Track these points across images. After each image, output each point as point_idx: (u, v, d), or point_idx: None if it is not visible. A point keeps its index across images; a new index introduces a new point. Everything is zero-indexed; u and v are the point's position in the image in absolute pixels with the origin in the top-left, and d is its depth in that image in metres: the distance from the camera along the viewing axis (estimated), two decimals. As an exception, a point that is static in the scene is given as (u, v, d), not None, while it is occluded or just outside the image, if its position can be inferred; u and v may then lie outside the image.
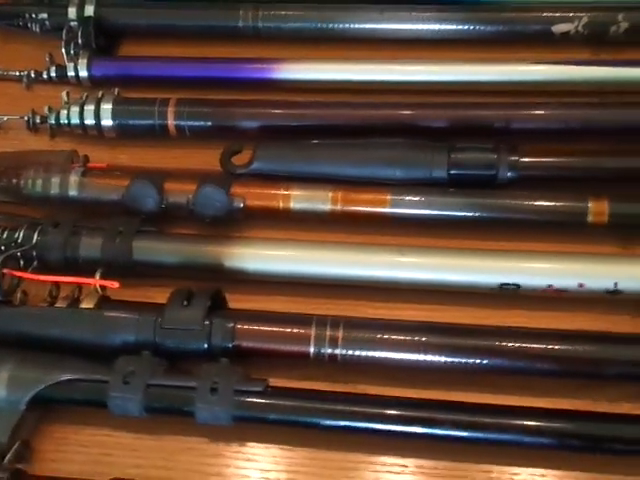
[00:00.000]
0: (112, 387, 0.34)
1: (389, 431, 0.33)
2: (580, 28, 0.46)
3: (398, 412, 0.33)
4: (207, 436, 0.36)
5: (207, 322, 0.35)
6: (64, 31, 0.48)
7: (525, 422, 0.32)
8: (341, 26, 0.47)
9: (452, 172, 0.40)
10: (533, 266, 0.36)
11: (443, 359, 0.34)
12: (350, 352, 0.35)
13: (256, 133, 0.43)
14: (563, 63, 0.44)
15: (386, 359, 0.35)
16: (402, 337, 0.35)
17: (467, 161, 0.40)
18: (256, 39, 0.48)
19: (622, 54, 0.46)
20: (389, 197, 0.39)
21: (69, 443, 0.37)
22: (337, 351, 0.35)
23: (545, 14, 0.46)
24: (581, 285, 0.36)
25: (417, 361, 0.34)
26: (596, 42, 0.46)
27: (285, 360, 0.36)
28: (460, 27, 0.46)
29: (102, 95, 0.45)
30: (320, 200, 0.40)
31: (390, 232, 0.40)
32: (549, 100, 0.44)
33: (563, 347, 0.34)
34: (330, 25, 0.47)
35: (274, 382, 0.36)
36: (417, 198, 0.39)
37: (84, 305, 0.37)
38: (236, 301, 0.38)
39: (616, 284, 0.36)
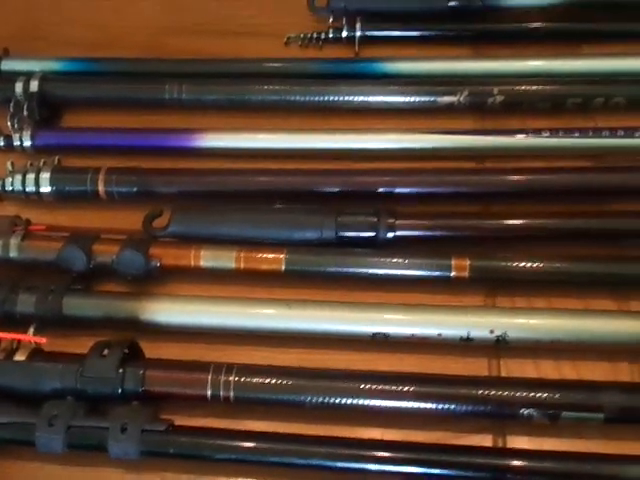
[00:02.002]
0: (38, 429, 0.40)
1: (269, 462, 0.40)
2: (462, 100, 0.52)
3: (277, 446, 0.40)
4: (121, 467, 0.42)
5: (121, 370, 0.41)
6: (11, 104, 0.54)
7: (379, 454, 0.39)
8: (254, 98, 0.53)
9: (340, 234, 0.46)
10: (399, 318, 0.43)
11: (320, 400, 0.41)
12: (241, 394, 0.41)
13: (175, 198, 0.50)
14: (445, 132, 0.51)
15: (271, 399, 0.41)
16: (285, 381, 0.41)
17: (352, 224, 0.46)
18: (180, 109, 0.54)
19: (500, 123, 0.52)
20: (284, 256, 0.46)
21: (4, 476, 0.43)
22: (230, 394, 0.41)
23: (431, 87, 0.53)
24: (439, 334, 0.43)
25: (296, 401, 0.41)
26: (477, 112, 0.53)
27: (187, 401, 0.42)
28: (357, 99, 0.53)
29: (43, 164, 0.52)
30: (226, 259, 0.46)
31: (286, 286, 0.47)
32: (430, 166, 0.50)
33: (421, 389, 0.40)
34: (246, 97, 0.54)
35: (180, 420, 0.42)
36: (308, 257, 0.46)
37: (18, 356, 0.43)
38: (153, 348, 0.45)
39: (469, 333, 0.42)
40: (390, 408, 0.40)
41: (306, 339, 0.45)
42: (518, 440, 0.41)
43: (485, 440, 0.41)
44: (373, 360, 0.44)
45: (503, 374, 0.43)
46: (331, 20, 0.57)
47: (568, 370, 0.43)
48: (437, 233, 0.47)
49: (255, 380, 0.41)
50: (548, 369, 0.43)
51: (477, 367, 0.44)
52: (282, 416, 0.43)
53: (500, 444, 0.41)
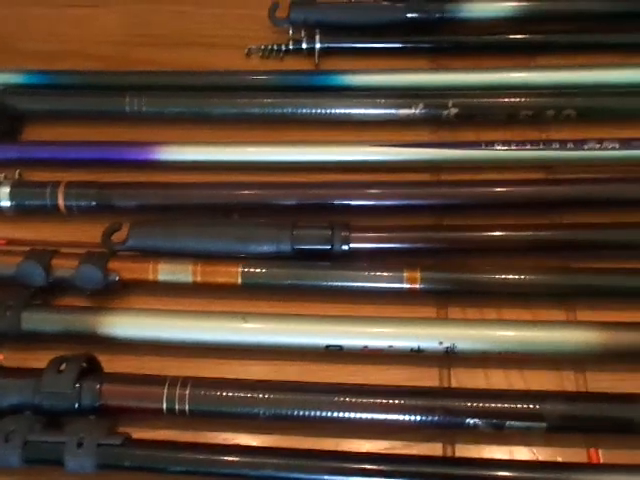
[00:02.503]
0: (-5, 444, 0.41)
1: (224, 474, 0.40)
2: (418, 112, 0.53)
3: (233, 457, 0.40)
4: (79, 480, 0.43)
5: (77, 385, 0.42)
6: (-29, 118, 0.55)
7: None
8: (215, 111, 0.54)
9: (295, 247, 0.47)
10: (352, 330, 0.44)
11: (274, 411, 0.42)
12: (196, 407, 0.42)
13: (135, 211, 0.50)
14: (400, 145, 0.52)
15: (226, 412, 0.42)
16: (238, 394, 0.42)
17: (307, 237, 0.47)
18: (141, 122, 0.55)
19: (455, 135, 0.54)
20: (240, 269, 0.46)
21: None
22: (185, 407, 0.42)
23: (388, 100, 0.53)
24: (390, 346, 0.44)
25: (250, 413, 0.42)
26: (433, 124, 0.54)
27: (144, 415, 0.43)
28: (316, 111, 0.54)
29: (4, 178, 0.52)
30: (183, 273, 0.47)
31: (244, 298, 0.48)
32: (385, 179, 0.51)
33: (371, 400, 0.41)
34: (206, 110, 0.54)
35: (140, 433, 0.43)
36: (265, 270, 0.47)
37: (-23, 373, 0.44)
38: (113, 362, 0.46)
39: (419, 344, 0.43)
40: (342, 419, 0.41)
41: (264, 351, 0.46)
42: (467, 448, 0.42)
43: (435, 449, 0.43)
44: (328, 371, 0.45)
45: (454, 384, 0.44)
46: (291, 32, 0.58)
47: (516, 379, 0.44)
48: (391, 245, 0.48)
49: (209, 393, 0.42)
50: (497, 378, 0.44)
51: (428, 377, 0.45)
52: (238, 428, 0.43)
53: (449, 453, 0.42)
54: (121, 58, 0.60)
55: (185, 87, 0.56)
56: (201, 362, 0.46)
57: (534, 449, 0.42)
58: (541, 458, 0.42)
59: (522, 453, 0.42)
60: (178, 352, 0.46)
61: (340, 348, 0.44)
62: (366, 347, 0.44)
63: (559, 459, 0.41)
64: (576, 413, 0.40)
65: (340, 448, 0.43)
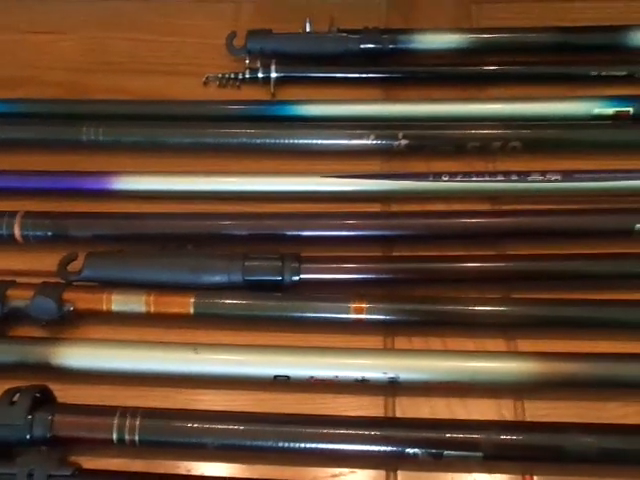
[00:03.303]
0: (-53, 476, 0.42)
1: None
2: (370, 143, 0.55)
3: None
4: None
5: (30, 417, 0.43)
6: None
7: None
8: (170, 140, 0.55)
9: (246, 278, 0.48)
10: (298, 360, 0.45)
11: (222, 441, 0.43)
12: (145, 438, 0.43)
13: (90, 241, 0.51)
14: (351, 176, 0.53)
15: (174, 442, 0.43)
16: (187, 424, 0.43)
17: (258, 268, 0.48)
18: (99, 151, 0.56)
19: (406, 166, 0.55)
20: (192, 300, 0.48)
21: None
22: (135, 437, 0.43)
23: (340, 130, 0.55)
24: (336, 376, 0.45)
25: (198, 443, 0.43)
26: (384, 155, 0.56)
27: (96, 445, 0.44)
28: (270, 141, 0.55)
29: (-40, 207, 0.53)
30: (136, 303, 0.48)
31: (197, 328, 0.49)
32: (336, 210, 0.52)
33: (315, 430, 0.43)
34: (162, 139, 0.55)
35: (89, 463, 0.44)
36: (216, 300, 0.48)
37: None
38: (67, 391, 0.46)
39: (363, 375, 0.45)
40: (289, 448, 0.43)
41: (215, 381, 0.47)
42: (410, 476, 0.44)
43: (379, 476, 0.44)
44: (278, 400, 0.46)
45: (398, 412, 0.46)
46: (247, 61, 0.59)
47: (458, 408, 0.46)
48: (340, 276, 0.49)
49: (159, 423, 0.43)
50: (440, 407, 0.46)
51: (374, 406, 0.46)
52: (188, 457, 0.45)
53: (392, 480, 0.44)
54: (80, 85, 0.61)
55: (142, 116, 0.57)
56: (155, 391, 0.47)
57: (474, 476, 0.44)
58: (480, 484, 0.44)
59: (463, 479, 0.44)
60: (132, 382, 0.47)
61: (288, 378, 0.45)
62: (312, 377, 0.45)
63: (497, 485, 0.43)
64: (510, 442, 0.41)
65: (287, 476, 0.44)
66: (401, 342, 0.48)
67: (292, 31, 0.61)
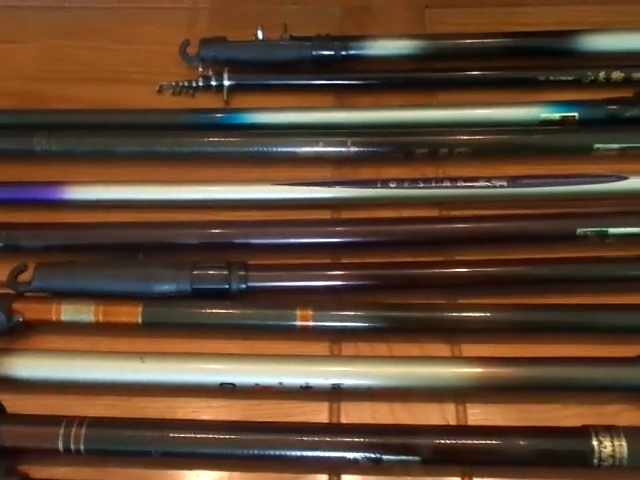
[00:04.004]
0: None
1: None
2: (320, 150, 0.55)
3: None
4: (-23, 520, 0.44)
5: (-24, 428, 0.44)
6: None
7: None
8: (122, 149, 0.56)
9: (194, 287, 0.49)
10: (244, 368, 0.46)
11: (165, 449, 0.43)
12: (91, 447, 0.43)
13: (41, 252, 0.51)
14: (301, 184, 0.54)
15: (119, 450, 0.44)
16: (131, 433, 0.44)
17: (205, 277, 0.49)
18: (51, 161, 0.56)
19: (356, 173, 0.56)
20: (141, 309, 0.48)
21: None
22: (81, 447, 0.43)
23: (289, 138, 0.55)
24: (280, 383, 0.46)
25: (143, 451, 0.43)
26: (334, 162, 0.56)
27: (43, 454, 0.45)
28: (223, 149, 0.56)
29: None
30: (85, 313, 0.48)
31: (146, 337, 0.49)
32: (285, 217, 0.53)
33: (256, 437, 0.43)
34: (114, 148, 0.56)
35: (37, 472, 0.45)
36: (164, 309, 0.48)
37: None
38: (18, 401, 0.46)
39: (307, 381, 0.46)
40: (231, 455, 0.43)
41: (164, 389, 0.47)
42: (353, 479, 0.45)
43: (322, 481, 0.45)
44: (226, 407, 0.47)
45: (343, 418, 0.46)
46: (200, 69, 0.60)
47: (401, 413, 0.46)
48: (287, 284, 0.50)
49: (104, 432, 0.44)
50: (383, 412, 0.46)
51: (320, 411, 0.47)
52: (134, 464, 0.45)
53: (336, 484, 0.45)
54: (35, 94, 0.61)
55: (95, 125, 0.57)
56: (103, 400, 0.47)
57: (415, 479, 0.45)
58: (421, 488, 0.45)
59: (404, 483, 0.45)
60: (81, 391, 0.47)
61: (233, 386, 0.46)
62: (257, 384, 0.46)
63: (437, 489, 0.44)
64: (447, 446, 0.42)
65: (230, 483, 0.45)
66: (348, 348, 0.49)
67: (247, 38, 0.61)
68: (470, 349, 0.49)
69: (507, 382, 0.45)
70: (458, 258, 0.52)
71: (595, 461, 0.41)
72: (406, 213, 0.53)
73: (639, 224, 0.49)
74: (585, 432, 0.42)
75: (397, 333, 0.49)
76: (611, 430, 0.42)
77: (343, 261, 0.52)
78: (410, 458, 0.42)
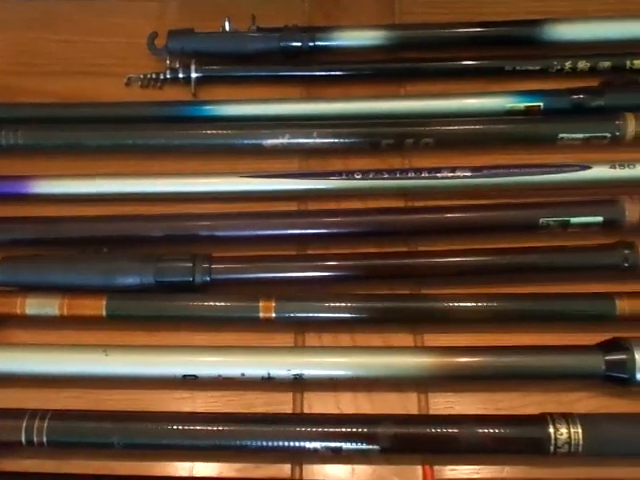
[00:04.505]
0: None
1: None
2: (286, 142, 0.55)
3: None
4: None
5: (-62, 420, 0.44)
6: None
7: None
8: (89, 143, 0.55)
9: (158, 279, 0.49)
10: (206, 359, 0.46)
11: (127, 440, 0.44)
12: (53, 439, 0.44)
13: (7, 246, 0.52)
14: (267, 176, 0.54)
15: (81, 442, 0.44)
16: (93, 425, 0.44)
17: (169, 270, 0.49)
18: (18, 155, 0.56)
19: (322, 164, 0.56)
20: (105, 302, 0.48)
21: None
22: (43, 439, 0.44)
23: (256, 130, 0.55)
24: (243, 374, 0.46)
25: (105, 443, 0.44)
26: (301, 154, 0.56)
27: (6, 447, 0.45)
28: (190, 142, 0.56)
29: None
30: (50, 306, 0.48)
31: (111, 330, 0.50)
32: (250, 209, 0.53)
33: (220, 427, 0.44)
34: (81, 142, 0.56)
35: (3, 465, 0.45)
36: (128, 302, 0.49)
37: None
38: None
39: (269, 372, 0.46)
40: (192, 446, 0.44)
41: (129, 381, 0.48)
42: (313, 469, 0.45)
43: (283, 470, 0.45)
44: (190, 399, 0.48)
45: (306, 408, 0.47)
46: (168, 62, 0.60)
47: (364, 403, 0.47)
48: (251, 276, 0.50)
49: (66, 425, 0.44)
50: (346, 403, 0.47)
51: (284, 402, 0.47)
52: (97, 456, 0.45)
53: (297, 474, 0.45)
54: (4, 88, 0.61)
55: (62, 119, 0.57)
56: (67, 393, 0.48)
57: (375, 467, 0.45)
58: (381, 476, 0.44)
59: (364, 472, 0.45)
60: (45, 384, 0.48)
61: (196, 377, 0.46)
62: (220, 376, 0.46)
63: (396, 478, 0.44)
64: (406, 435, 0.43)
65: (195, 473, 0.45)
66: (311, 339, 0.49)
67: (217, 30, 0.61)
68: (433, 339, 0.49)
69: (467, 371, 0.46)
70: (422, 249, 0.52)
71: (551, 448, 0.42)
72: (372, 204, 0.54)
73: (600, 213, 0.50)
74: (542, 419, 0.43)
75: (361, 324, 0.49)
76: (567, 417, 0.43)
77: (308, 253, 0.52)
78: (370, 447, 0.43)
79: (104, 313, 0.48)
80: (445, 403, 0.47)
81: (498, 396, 0.47)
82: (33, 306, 0.49)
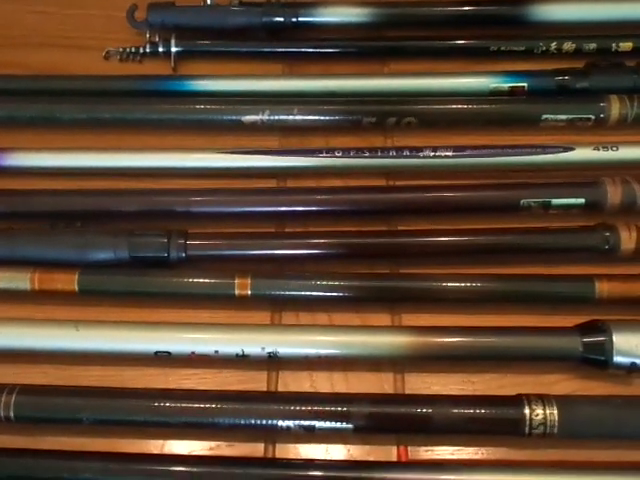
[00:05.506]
0: None
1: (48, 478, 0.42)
2: (265, 119, 0.54)
3: (61, 462, 0.42)
4: None
5: None
6: None
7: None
8: (65, 116, 0.54)
9: (132, 254, 0.48)
10: (179, 336, 0.45)
11: (96, 416, 0.43)
12: (21, 414, 0.43)
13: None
14: (246, 152, 0.53)
15: (50, 418, 0.43)
16: (61, 400, 0.43)
17: (144, 245, 0.48)
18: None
19: (303, 141, 0.55)
20: (77, 277, 0.47)
21: None
22: (10, 414, 0.43)
23: (235, 106, 0.54)
24: (216, 351, 0.45)
25: (74, 418, 0.43)
26: (281, 131, 0.55)
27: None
28: (168, 116, 0.54)
29: None
30: (21, 280, 0.48)
31: (83, 305, 0.49)
32: (226, 185, 0.52)
33: (193, 404, 0.43)
34: (57, 115, 0.54)
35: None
36: (101, 277, 0.48)
37: None
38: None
39: (243, 350, 0.45)
40: (164, 422, 0.43)
41: (102, 357, 0.47)
42: (286, 448, 0.44)
43: (257, 448, 0.44)
44: (163, 375, 0.47)
45: (280, 387, 0.46)
46: (148, 35, 0.58)
47: (339, 382, 0.46)
48: (227, 252, 0.49)
49: (34, 400, 0.43)
50: (321, 382, 0.46)
51: (258, 380, 0.47)
52: (66, 432, 0.44)
53: (270, 452, 0.44)
54: (-21, 60, 0.60)
55: (39, 92, 0.56)
56: (37, 368, 0.47)
57: (349, 447, 0.45)
58: (355, 456, 0.44)
59: (338, 451, 0.44)
60: (15, 359, 0.47)
61: (169, 354, 0.46)
62: (193, 353, 0.45)
63: (371, 458, 0.44)
64: (379, 414, 0.42)
65: (164, 450, 0.45)
66: (288, 318, 0.49)
67: (197, 4, 0.60)
68: (411, 319, 0.48)
69: (444, 351, 0.45)
70: (402, 228, 0.51)
71: (526, 429, 0.42)
72: (353, 182, 0.53)
73: (582, 195, 0.49)
74: (518, 400, 0.42)
75: (338, 302, 0.48)
76: (544, 398, 0.42)
77: (287, 230, 0.51)
78: (343, 426, 0.42)
79: (76, 288, 0.48)
80: (422, 383, 0.46)
81: (475, 377, 0.46)
82: (4, 280, 0.48)
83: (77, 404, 0.43)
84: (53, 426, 0.45)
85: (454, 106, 0.54)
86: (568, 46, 0.57)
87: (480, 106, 0.54)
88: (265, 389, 0.47)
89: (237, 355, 0.45)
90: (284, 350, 0.45)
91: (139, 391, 0.44)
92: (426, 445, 0.44)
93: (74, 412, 0.43)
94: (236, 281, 0.47)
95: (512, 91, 0.55)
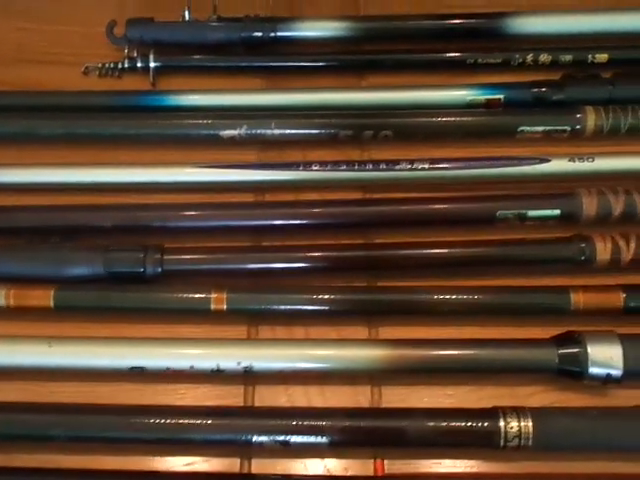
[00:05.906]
0: None
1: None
2: (242, 133, 0.54)
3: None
4: None
5: None
6: None
7: None
8: (42, 131, 0.54)
9: (108, 270, 0.48)
10: (154, 351, 0.45)
11: (72, 433, 0.43)
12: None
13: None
14: (224, 167, 0.53)
15: (22, 435, 0.43)
16: (33, 417, 0.43)
17: (120, 260, 0.48)
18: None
19: (280, 155, 0.55)
20: (53, 293, 0.47)
21: None
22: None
23: (213, 120, 0.54)
24: (192, 367, 0.45)
25: (48, 435, 0.43)
26: (258, 145, 0.55)
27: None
28: (146, 131, 0.54)
29: None
30: (-4, 297, 0.48)
31: (59, 321, 0.48)
32: (205, 200, 0.52)
33: (168, 420, 0.43)
34: (34, 131, 0.54)
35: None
36: (77, 293, 0.48)
37: None
38: None
39: (218, 365, 0.45)
40: (140, 439, 0.43)
41: (76, 374, 0.46)
42: (263, 463, 0.44)
43: (233, 464, 0.44)
44: (139, 391, 0.46)
45: (257, 401, 0.46)
46: (126, 51, 0.59)
47: (315, 396, 0.46)
48: (203, 267, 0.49)
49: (7, 417, 0.43)
50: (297, 396, 0.46)
51: (234, 395, 0.46)
52: (41, 449, 0.44)
53: (246, 468, 0.44)
54: (-41, 77, 0.60)
55: (19, 108, 0.56)
56: (11, 385, 0.46)
57: (325, 461, 0.44)
58: (332, 470, 0.44)
59: (315, 466, 0.44)
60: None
61: (142, 370, 0.45)
62: (168, 368, 0.45)
63: (348, 472, 0.44)
64: (354, 428, 0.42)
65: (140, 466, 0.44)
66: (265, 332, 0.49)
67: (178, 20, 0.60)
68: (388, 332, 0.48)
69: (420, 364, 0.45)
70: (379, 241, 0.51)
71: (501, 442, 0.42)
72: (330, 196, 0.53)
73: (558, 206, 0.50)
74: (493, 413, 0.42)
75: (315, 316, 0.48)
76: (519, 411, 0.42)
77: (263, 244, 0.51)
78: (318, 440, 0.42)
79: (52, 304, 0.47)
80: (399, 396, 0.46)
81: (452, 390, 0.46)
82: (-22, 296, 0.48)
83: (51, 421, 0.43)
84: (27, 443, 0.44)
85: (430, 119, 0.54)
86: (544, 58, 0.57)
87: (456, 119, 0.54)
88: (242, 404, 0.46)
89: (212, 370, 0.45)
90: (259, 365, 0.45)
91: (114, 407, 0.44)
92: (402, 458, 0.44)
93: (48, 429, 0.43)
94: (212, 296, 0.47)
95: (489, 103, 0.55)
